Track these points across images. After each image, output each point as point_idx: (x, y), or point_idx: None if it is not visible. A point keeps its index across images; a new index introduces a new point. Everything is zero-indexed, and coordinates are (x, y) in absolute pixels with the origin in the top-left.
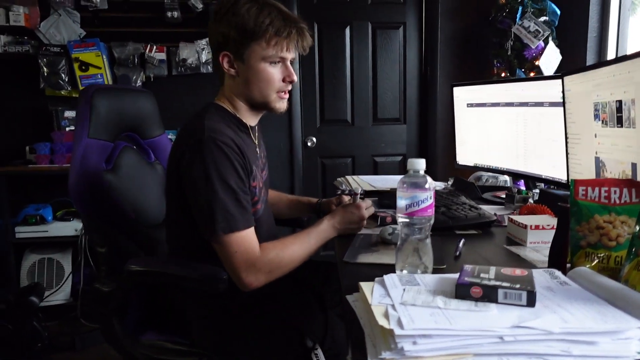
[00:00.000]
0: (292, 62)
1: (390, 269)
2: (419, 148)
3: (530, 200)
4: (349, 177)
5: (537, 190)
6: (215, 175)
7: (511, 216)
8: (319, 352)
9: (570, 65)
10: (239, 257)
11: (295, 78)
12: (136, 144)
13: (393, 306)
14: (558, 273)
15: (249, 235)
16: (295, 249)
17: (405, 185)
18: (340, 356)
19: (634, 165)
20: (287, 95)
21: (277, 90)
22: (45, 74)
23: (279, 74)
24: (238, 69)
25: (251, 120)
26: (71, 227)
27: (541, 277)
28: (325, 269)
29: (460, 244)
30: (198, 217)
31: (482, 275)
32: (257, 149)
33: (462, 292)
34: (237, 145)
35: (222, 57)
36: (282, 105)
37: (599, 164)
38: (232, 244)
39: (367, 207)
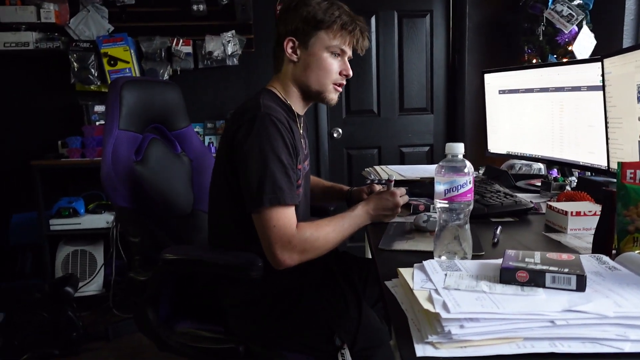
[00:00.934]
0: (349, 60)
1: (426, 256)
2: (446, 138)
3: (568, 188)
4: (377, 167)
5: (574, 178)
6: (269, 148)
7: (550, 203)
8: (346, 352)
9: (605, 51)
10: (276, 231)
11: (351, 73)
12: (163, 136)
13: (436, 290)
14: (606, 258)
15: (290, 212)
16: (329, 230)
17: (443, 170)
18: (374, 357)
19: None
20: (341, 89)
21: (334, 81)
22: (76, 70)
23: (337, 66)
24: (300, 55)
25: (299, 109)
26: (103, 220)
27: (588, 263)
28: (366, 264)
29: (498, 231)
30: (245, 188)
31: (527, 259)
32: (302, 140)
33: (507, 276)
34: (289, 124)
35: (287, 42)
36: (334, 97)
37: None
38: (273, 217)
39: (402, 195)
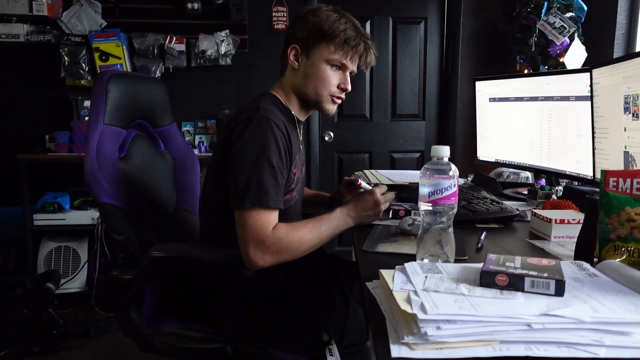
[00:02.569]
0: (352, 74)
1: (409, 258)
2: (437, 145)
3: (554, 196)
4: (366, 171)
5: (561, 187)
6: (260, 150)
7: (535, 210)
8: (334, 347)
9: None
10: (252, 231)
11: (350, 87)
12: (146, 133)
13: (415, 292)
14: (586, 265)
15: (271, 215)
16: (305, 232)
17: (428, 172)
18: (361, 353)
19: None
20: (339, 101)
21: (331, 93)
22: (66, 64)
23: (336, 78)
24: (301, 64)
25: (300, 115)
26: (88, 216)
27: (569, 269)
28: (353, 266)
29: (482, 237)
30: (232, 185)
31: (507, 264)
32: (300, 146)
33: (487, 279)
34: (286, 129)
35: (290, 49)
36: (332, 107)
37: (628, 159)
38: (252, 217)
39: (383, 193)
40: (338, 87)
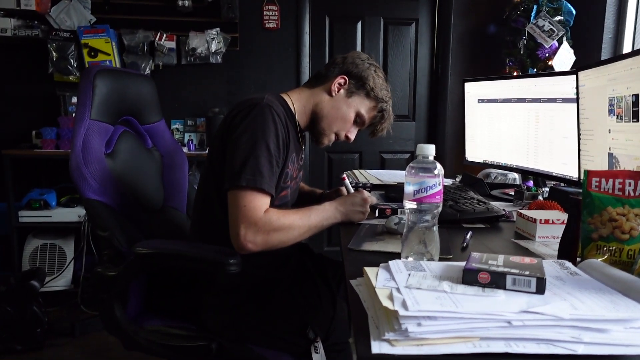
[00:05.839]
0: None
1: (395, 257)
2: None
3: (540, 197)
4: (355, 171)
5: (547, 188)
6: (260, 134)
7: (520, 210)
8: (319, 344)
9: None
10: (245, 211)
11: (351, 141)
12: (134, 129)
13: (398, 289)
14: (568, 264)
15: (264, 199)
16: (296, 218)
17: (413, 171)
18: (345, 350)
19: None
20: (330, 143)
21: (335, 133)
22: (54, 59)
23: (350, 127)
24: (338, 96)
25: (301, 123)
26: (74, 214)
27: (551, 268)
28: (341, 266)
29: (468, 236)
30: (229, 166)
31: (490, 262)
32: (302, 154)
33: (469, 277)
34: (286, 121)
35: (341, 77)
36: (325, 143)
37: (612, 160)
38: (246, 198)
39: (368, 196)
40: (345, 134)
